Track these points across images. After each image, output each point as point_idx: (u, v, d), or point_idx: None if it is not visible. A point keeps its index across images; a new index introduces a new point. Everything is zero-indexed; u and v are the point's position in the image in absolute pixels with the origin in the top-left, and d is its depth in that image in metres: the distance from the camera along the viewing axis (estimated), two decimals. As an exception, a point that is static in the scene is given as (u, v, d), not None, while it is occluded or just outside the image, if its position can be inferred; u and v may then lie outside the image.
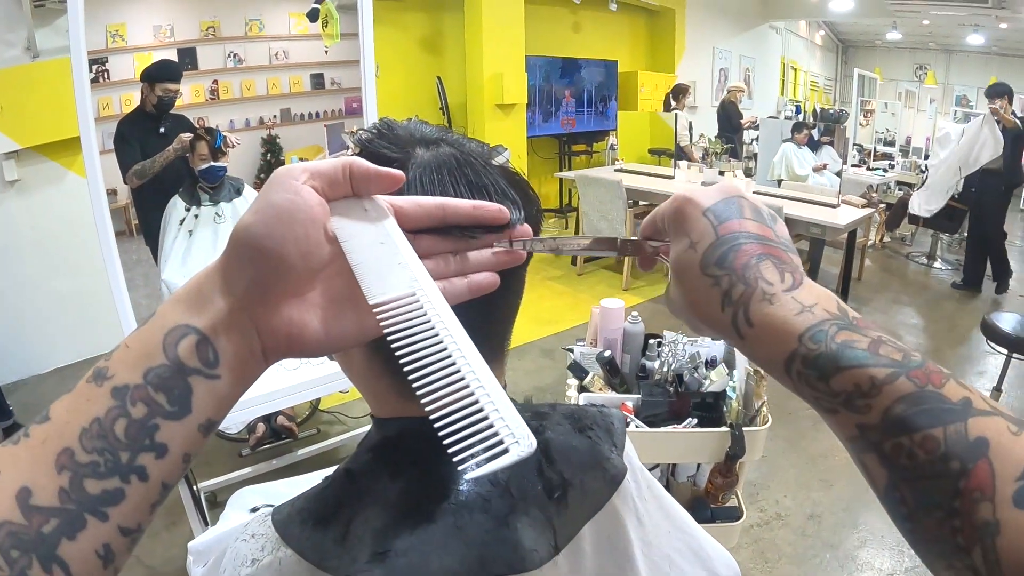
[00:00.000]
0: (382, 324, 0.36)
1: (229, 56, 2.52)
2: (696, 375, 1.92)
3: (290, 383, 2.00)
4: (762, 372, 1.89)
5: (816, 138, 5.35)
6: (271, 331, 0.37)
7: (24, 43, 3.46)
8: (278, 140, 2.69)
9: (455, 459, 0.31)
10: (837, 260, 5.26)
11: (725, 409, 1.85)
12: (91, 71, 1.90)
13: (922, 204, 5.67)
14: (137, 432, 0.33)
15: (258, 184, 2.60)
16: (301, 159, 2.68)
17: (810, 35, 13.07)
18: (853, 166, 7.50)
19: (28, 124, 3.51)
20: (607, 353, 1.96)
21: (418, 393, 0.34)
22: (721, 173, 5.72)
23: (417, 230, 0.42)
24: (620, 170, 6.07)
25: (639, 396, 1.90)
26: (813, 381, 0.35)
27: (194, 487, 2.16)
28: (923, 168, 7.06)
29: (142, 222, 2.49)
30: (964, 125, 5.27)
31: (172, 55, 2.36)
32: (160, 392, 0.34)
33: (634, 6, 8.02)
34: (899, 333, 4.70)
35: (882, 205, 6.58)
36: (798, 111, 10.58)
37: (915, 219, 5.96)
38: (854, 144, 8.35)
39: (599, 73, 7.38)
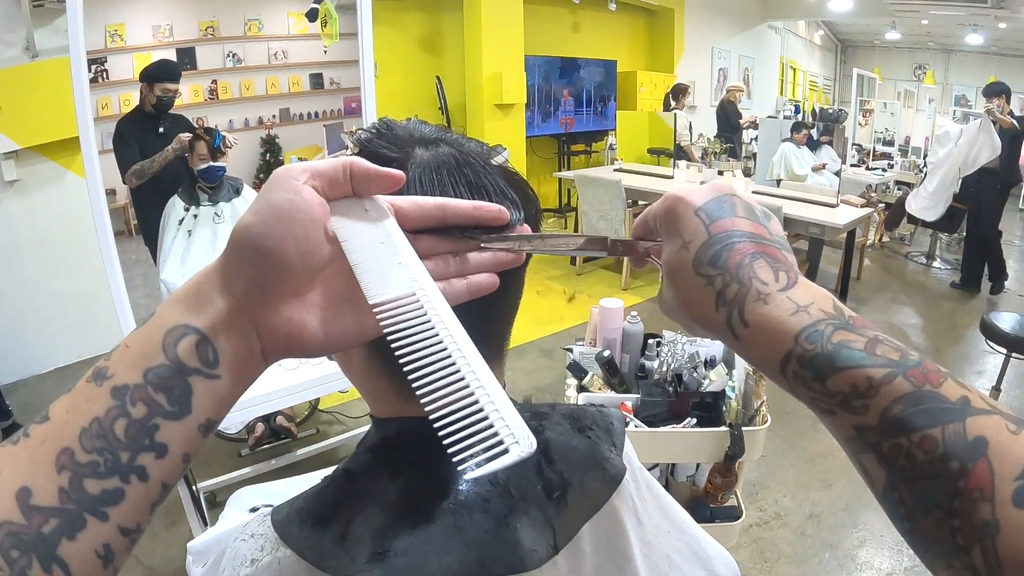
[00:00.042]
0: (382, 324, 0.36)
1: (228, 56, 2.52)
2: (695, 375, 1.92)
3: (289, 383, 2.00)
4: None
5: (815, 138, 5.35)
6: (271, 331, 0.37)
7: (23, 43, 3.46)
8: (277, 140, 2.69)
9: (455, 459, 0.31)
10: (836, 260, 5.26)
11: (724, 409, 1.85)
12: (90, 71, 1.90)
13: (923, 210, 5.66)
14: (137, 432, 0.33)
15: (257, 184, 2.59)
16: (300, 159, 2.68)
17: (809, 35, 13.07)
18: (852, 166, 7.50)
19: (27, 124, 3.50)
20: (606, 353, 1.96)
21: (418, 393, 0.34)
22: (720, 173, 5.72)
23: (417, 230, 0.42)
24: (619, 170, 6.07)
25: (638, 396, 1.90)
26: (809, 382, 0.35)
27: (193, 487, 2.16)
28: (921, 168, 7.06)
29: (141, 222, 2.49)
30: (963, 125, 5.26)
31: (171, 55, 2.36)
32: (160, 392, 0.34)
33: (633, 6, 8.02)
34: (898, 333, 4.71)
35: (881, 205, 6.59)
36: (797, 111, 10.58)
37: (914, 219, 5.96)
38: (853, 144, 8.35)
39: (598, 73, 7.38)
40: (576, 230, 6.11)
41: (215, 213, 2.39)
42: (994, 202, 5.34)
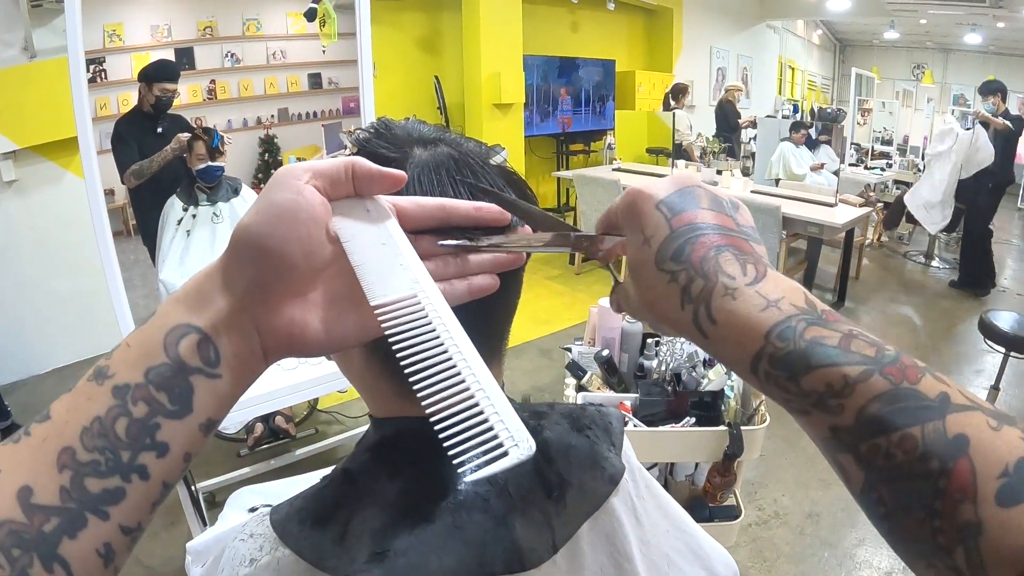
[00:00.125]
0: (384, 325, 0.36)
1: (226, 56, 2.52)
2: (694, 374, 1.92)
3: (288, 383, 2.00)
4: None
5: (814, 137, 5.36)
6: (272, 331, 0.37)
7: (21, 43, 3.46)
8: (276, 140, 2.69)
9: (455, 461, 0.31)
10: (835, 259, 5.26)
11: (723, 408, 1.86)
12: (88, 71, 1.90)
13: (929, 222, 5.64)
14: (138, 431, 0.33)
15: (255, 184, 2.59)
16: (299, 159, 2.68)
17: (808, 34, 13.08)
18: (851, 165, 7.51)
19: (25, 124, 3.50)
20: (605, 352, 1.96)
21: (419, 395, 0.34)
22: (719, 172, 5.72)
23: (418, 231, 0.42)
24: (618, 169, 6.07)
25: (637, 395, 1.90)
26: (782, 381, 0.34)
27: (192, 487, 2.16)
28: (920, 168, 7.07)
29: (140, 222, 2.49)
30: (960, 129, 5.25)
31: (169, 55, 2.36)
32: (161, 391, 0.34)
33: (632, 5, 8.02)
34: (897, 332, 4.71)
35: (880, 204, 6.59)
36: (796, 110, 10.58)
37: (913, 218, 5.96)
38: (852, 143, 8.36)
39: (597, 72, 7.38)
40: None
41: (214, 213, 2.38)
42: (987, 202, 5.34)
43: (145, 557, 2.32)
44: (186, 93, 2.43)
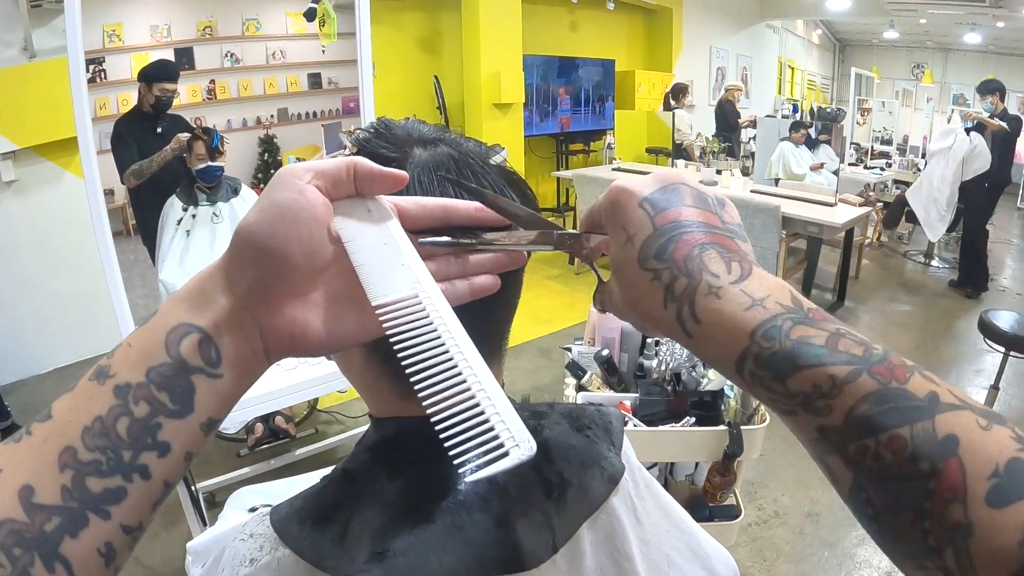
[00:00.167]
0: (385, 325, 0.36)
1: (226, 56, 2.52)
2: (694, 374, 1.93)
3: (288, 383, 2.00)
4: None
5: (813, 137, 5.36)
6: (273, 330, 0.37)
7: (21, 43, 3.46)
8: (275, 140, 2.69)
9: (455, 461, 0.31)
10: (834, 259, 5.26)
11: (723, 408, 1.86)
12: (88, 71, 1.90)
13: (932, 230, 5.64)
14: (139, 431, 0.33)
15: (255, 184, 2.60)
16: (298, 159, 2.68)
17: (807, 34, 13.08)
18: (850, 165, 7.50)
19: (25, 124, 3.50)
20: (605, 352, 1.97)
21: (420, 395, 0.34)
22: (719, 172, 5.73)
23: (419, 231, 0.42)
24: (617, 169, 6.07)
25: (637, 395, 1.90)
26: (768, 382, 0.33)
27: (192, 487, 2.16)
28: (920, 168, 7.07)
29: (139, 222, 2.49)
30: (961, 131, 5.24)
31: (169, 55, 2.36)
32: (163, 391, 0.34)
33: (631, 5, 8.01)
34: (897, 331, 4.71)
35: (879, 204, 6.59)
36: (795, 110, 10.58)
37: (912, 217, 5.96)
38: (851, 143, 8.36)
39: (596, 72, 7.37)
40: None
41: (213, 213, 2.38)
42: (983, 202, 5.33)
43: (145, 557, 2.31)
44: (186, 93, 2.43)
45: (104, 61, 2.25)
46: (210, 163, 2.35)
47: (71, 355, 3.82)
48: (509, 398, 0.35)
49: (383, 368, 0.50)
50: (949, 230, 5.90)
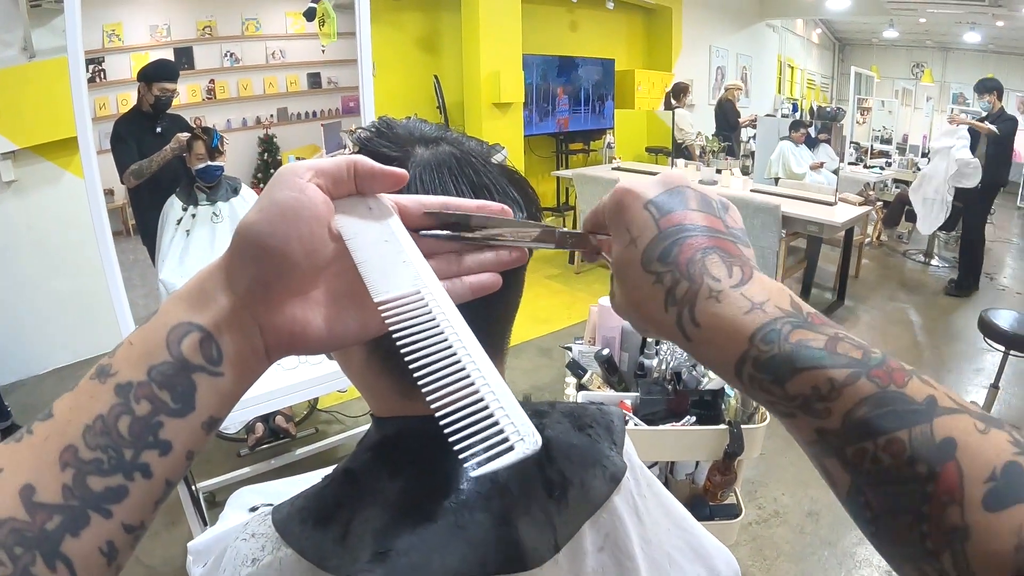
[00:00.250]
0: (387, 322, 0.36)
1: (226, 55, 2.52)
2: (694, 373, 1.92)
3: (288, 382, 2.00)
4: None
5: (813, 136, 5.36)
6: (274, 329, 0.37)
7: (20, 43, 3.46)
8: (275, 140, 2.69)
9: (460, 456, 0.31)
10: (834, 258, 5.26)
11: (723, 407, 1.86)
12: (88, 71, 1.90)
13: (923, 216, 5.64)
14: (141, 429, 0.33)
15: (255, 184, 2.60)
16: (298, 158, 2.68)
17: (807, 33, 13.08)
18: (850, 164, 7.51)
19: (24, 124, 3.50)
20: (605, 351, 1.96)
21: (423, 391, 0.34)
22: (718, 171, 5.73)
23: (420, 229, 0.42)
24: (617, 168, 6.07)
25: (637, 394, 1.90)
26: (767, 385, 0.33)
27: (193, 487, 2.16)
28: (919, 167, 7.07)
29: (139, 222, 2.49)
30: (965, 133, 5.23)
31: (169, 55, 2.36)
32: (164, 389, 0.34)
33: (631, 4, 8.01)
34: (896, 330, 4.72)
35: (879, 203, 6.59)
36: (795, 109, 10.58)
37: (912, 217, 5.96)
38: (851, 142, 8.36)
39: (596, 72, 7.37)
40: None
41: (213, 213, 2.38)
42: (977, 202, 5.32)
43: (145, 556, 2.32)
44: (185, 93, 2.43)
45: (104, 61, 2.25)
46: (210, 163, 2.35)
47: (71, 355, 3.82)
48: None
49: (384, 367, 0.50)
50: (948, 229, 5.90)
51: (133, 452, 0.33)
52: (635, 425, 1.81)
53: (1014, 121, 5.21)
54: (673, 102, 6.65)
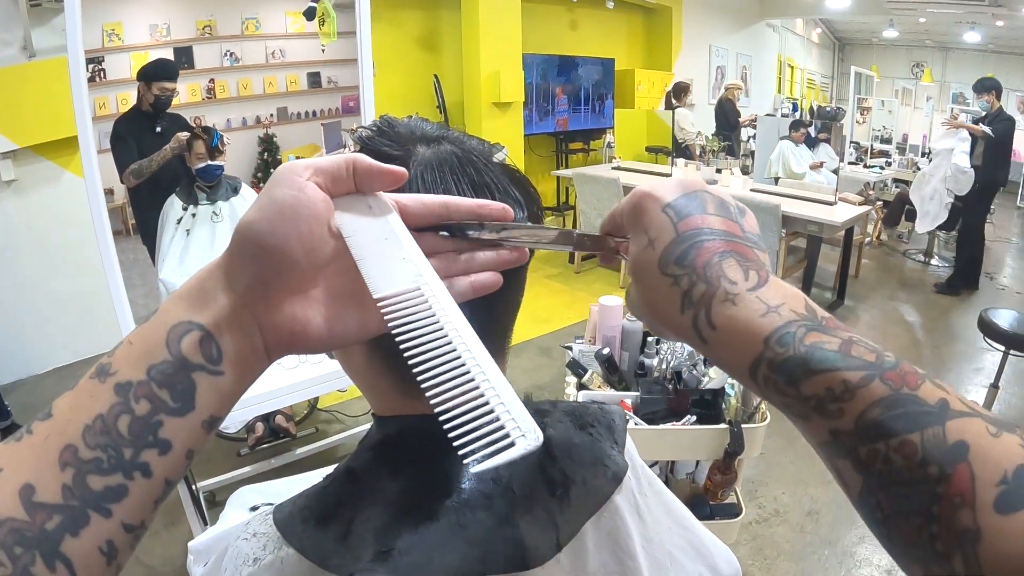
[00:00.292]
0: (386, 318, 0.36)
1: (225, 55, 2.52)
2: (695, 372, 1.92)
3: (288, 382, 2.00)
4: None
5: (813, 136, 5.35)
6: (274, 327, 0.37)
7: (20, 42, 3.45)
8: (275, 139, 2.69)
9: (460, 452, 0.31)
10: (834, 257, 5.26)
11: (724, 406, 1.85)
12: (87, 70, 1.90)
13: (921, 213, 5.65)
14: (140, 428, 0.33)
15: (255, 183, 2.59)
16: (298, 158, 2.67)
17: (807, 33, 13.07)
18: (850, 164, 7.51)
19: (24, 124, 3.50)
20: (606, 351, 1.96)
21: (423, 387, 0.33)
22: (718, 171, 5.73)
23: (421, 228, 0.42)
24: (617, 168, 6.07)
25: (638, 393, 1.90)
26: (781, 386, 0.34)
27: (193, 486, 2.16)
28: (919, 166, 7.07)
29: (139, 221, 2.49)
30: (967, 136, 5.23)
31: (168, 54, 2.36)
32: (164, 388, 0.34)
33: (631, 4, 8.01)
34: (896, 330, 4.71)
35: (879, 203, 6.59)
36: (795, 109, 10.57)
37: (912, 216, 5.96)
38: (851, 142, 8.36)
39: (596, 71, 7.37)
40: (575, 228, 6.09)
41: (213, 212, 2.38)
42: (975, 203, 5.32)
43: (145, 556, 2.31)
44: (185, 92, 2.43)
45: (103, 60, 2.25)
46: (210, 162, 2.35)
47: (71, 355, 3.82)
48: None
49: (385, 366, 0.50)
50: (948, 228, 5.91)
51: (133, 451, 0.33)
52: (635, 424, 1.81)
53: (1012, 121, 5.19)
54: (674, 101, 6.65)
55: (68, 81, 1.65)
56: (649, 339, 2.03)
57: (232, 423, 2.56)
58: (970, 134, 5.14)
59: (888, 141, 8.92)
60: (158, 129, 2.34)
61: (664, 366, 1.95)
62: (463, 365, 0.34)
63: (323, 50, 2.60)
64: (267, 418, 2.83)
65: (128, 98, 2.31)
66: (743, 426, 1.80)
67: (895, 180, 7.45)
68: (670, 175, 5.76)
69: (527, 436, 0.31)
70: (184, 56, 2.40)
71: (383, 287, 0.37)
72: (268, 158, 2.68)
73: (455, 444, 0.31)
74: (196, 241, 2.35)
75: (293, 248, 0.36)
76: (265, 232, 0.36)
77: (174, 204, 2.37)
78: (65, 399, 0.34)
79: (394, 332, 0.35)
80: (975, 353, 4.16)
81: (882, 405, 0.31)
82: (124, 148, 2.31)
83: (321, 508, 0.48)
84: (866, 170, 7.32)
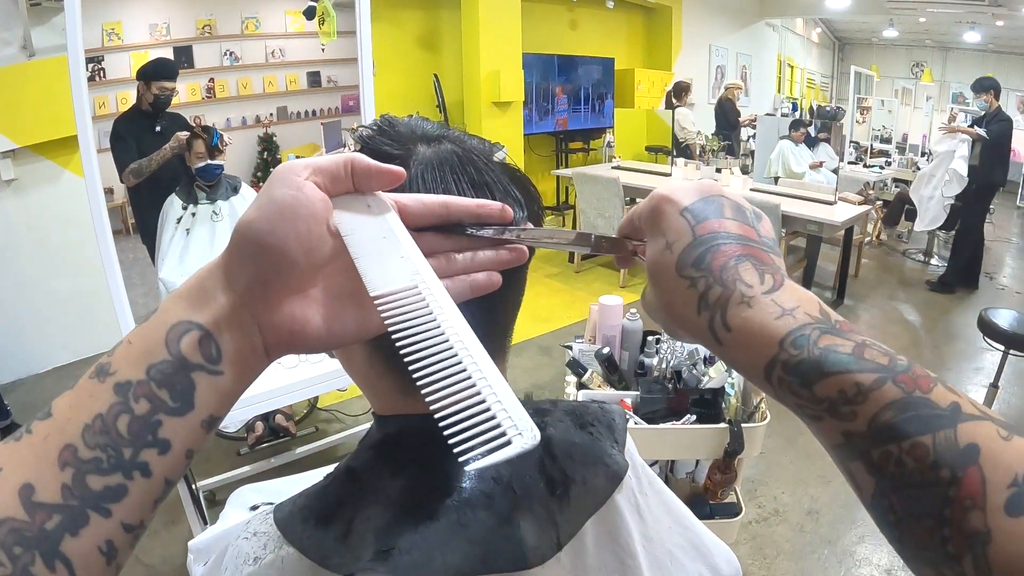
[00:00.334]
0: (384, 316, 0.36)
1: (225, 54, 2.52)
2: (695, 372, 1.92)
3: (288, 381, 2.00)
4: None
5: (813, 135, 5.35)
6: (273, 327, 0.37)
7: (20, 42, 3.45)
8: (275, 138, 2.69)
9: (456, 450, 0.31)
10: (834, 257, 5.26)
11: (724, 405, 1.85)
12: (87, 69, 1.90)
13: (921, 210, 5.66)
14: (140, 428, 0.33)
15: (254, 182, 2.59)
16: (297, 157, 2.67)
17: (807, 32, 13.07)
18: (850, 163, 7.51)
19: (24, 123, 3.50)
20: (606, 350, 1.96)
21: (419, 384, 0.33)
22: (718, 170, 5.72)
23: (421, 228, 0.42)
24: (617, 167, 6.07)
25: (638, 393, 1.90)
26: (796, 388, 0.34)
27: (193, 486, 2.16)
28: (919, 166, 7.07)
29: (138, 221, 2.49)
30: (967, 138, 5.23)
31: (168, 53, 2.36)
32: (163, 388, 0.34)
33: (631, 3, 8.01)
34: (896, 330, 4.71)
35: (879, 202, 6.59)
36: (795, 108, 10.58)
37: (912, 216, 5.96)
38: (851, 141, 8.36)
39: (596, 71, 7.37)
40: (574, 228, 6.11)
41: (213, 211, 2.38)
42: (973, 203, 5.32)
43: (145, 556, 2.31)
44: (185, 91, 2.43)
45: (103, 60, 2.25)
46: (210, 161, 2.35)
47: (70, 354, 3.82)
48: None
49: (386, 365, 0.50)
50: (947, 228, 5.91)
51: (132, 451, 0.32)
52: (635, 424, 1.81)
53: (1009, 122, 5.17)
54: (674, 101, 6.65)
55: (68, 80, 1.65)
56: (649, 339, 2.03)
57: (232, 422, 2.56)
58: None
59: (888, 141, 8.92)
60: (158, 128, 2.34)
61: (664, 365, 1.95)
62: (459, 363, 0.34)
63: (323, 49, 2.60)
64: (267, 417, 2.83)
65: (128, 97, 2.31)
66: (743, 425, 1.80)
67: (895, 180, 7.45)
68: (670, 175, 5.77)
69: (524, 434, 0.31)
70: (184, 55, 2.40)
71: (381, 285, 0.37)
72: (268, 157, 2.68)
73: (451, 442, 0.31)
74: (196, 240, 2.35)
75: (292, 247, 0.36)
76: (264, 231, 0.36)
77: (174, 203, 2.36)
78: (65, 399, 0.34)
79: (391, 330, 0.35)
80: (975, 353, 4.16)
81: (894, 408, 0.31)
82: (124, 147, 2.30)
83: (322, 507, 0.48)
84: (866, 170, 7.32)
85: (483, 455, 0.31)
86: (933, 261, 6.27)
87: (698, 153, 6.41)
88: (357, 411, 3.13)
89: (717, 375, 1.92)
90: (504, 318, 0.53)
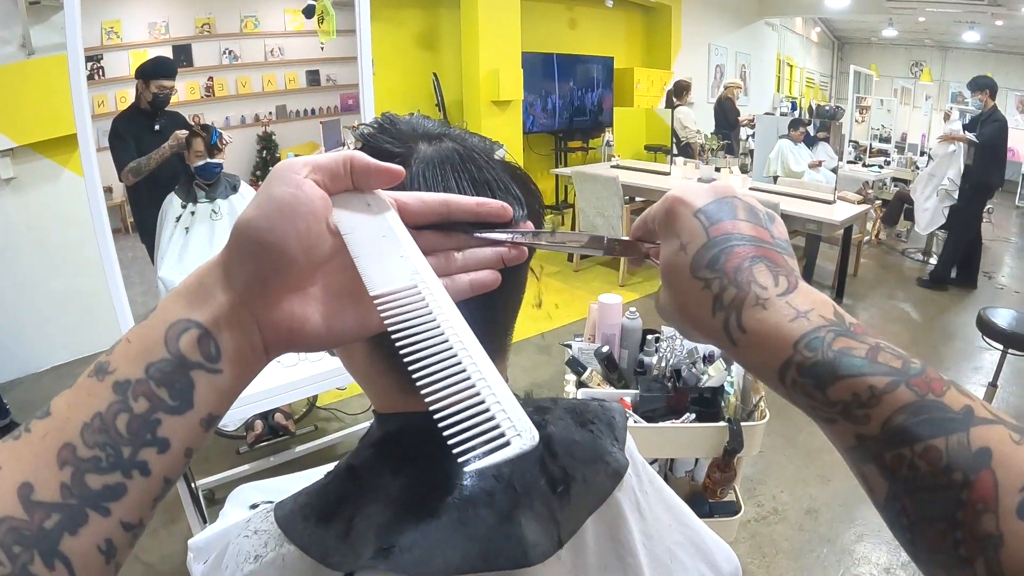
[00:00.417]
0: (383, 315, 0.36)
1: (224, 53, 2.51)
2: (694, 370, 1.92)
3: (287, 380, 2.00)
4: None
5: (812, 135, 5.36)
6: (272, 325, 0.37)
7: (19, 40, 3.45)
8: (274, 137, 2.68)
9: (455, 451, 0.31)
10: (833, 256, 5.27)
11: (723, 404, 1.85)
12: (86, 68, 1.89)
13: (920, 211, 5.67)
14: (139, 427, 0.33)
15: (254, 181, 2.59)
16: (297, 156, 2.67)
17: (806, 32, 13.08)
18: (849, 162, 7.51)
19: (23, 122, 3.49)
20: (605, 349, 1.96)
21: (418, 384, 0.33)
22: (717, 169, 5.73)
23: (420, 226, 0.42)
24: (616, 166, 6.07)
25: (637, 391, 1.90)
26: (809, 390, 0.34)
27: (192, 484, 2.16)
28: (918, 166, 7.08)
29: (138, 219, 2.49)
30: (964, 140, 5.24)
31: (167, 52, 2.35)
32: (162, 386, 0.33)
33: (630, 2, 8.01)
34: (895, 329, 4.72)
35: (878, 201, 6.59)
36: (794, 108, 10.59)
37: (911, 215, 5.97)
38: (850, 141, 8.36)
39: (595, 69, 7.37)
40: (574, 227, 6.11)
41: (212, 210, 2.38)
42: (968, 203, 5.32)
43: (144, 554, 2.31)
44: (184, 90, 2.42)
45: (102, 58, 2.25)
46: (209, 160, 2.35)
47: (70, 353, 3.81)
48: (512, 392, 0.35)
49: (386, 364, 0.50)
50: (947, 228, 5.91)
51: (131, 450, 0.32)
52: (635, 422, 1.81)
53: (1002, 123, 5.15)
54: (675, 100, 6.65)
55: (67, 79, 1.64)
56: (648, 337, 2.03)
57: (231, 421, 2.55)
58: (971, 132, 5.15)
59: (887, 140, 8.93)
60: (157, 127, 2.33)
61: (663, 364, 1.95)
62: (458, 364, 0.34)
63: (322, 48, 2.60)
64: (266, 416, 2.83)
65: (127, 96, 2.30)
66: (742, 424, 1.80)
67: (894, 179, 7.46)
68: (669, 174, 5.77)
69: (523, 435, 0.31)
70: (183, 54, 2.40)
71: (380, 284, 0.37)
72: (267, 156, 2.67)
73: (450, 443, 0.31)
74: (195, 239, 2.34)
75: (291, 245, 0.36)
76: (263, 229, 0.35)
77: (173, 202, 2.36)
78: (64, 397, 0.34)
79: (390, 330, 0.35)
80: (974, 352, 4.16)
81: (908, 411, 0.31)
82: (123, 146, 2.30)
83: (322, 505, 0.48)
84: (865, 169, 7.32)
85: (482, 456, 0.31)
86: (932, 260, 6.27)
87: (698, 152, 6.41)
88: (356, 410, 3.13)
89: (716, 374, 1.92)
90: (504, 317, 0.53)
